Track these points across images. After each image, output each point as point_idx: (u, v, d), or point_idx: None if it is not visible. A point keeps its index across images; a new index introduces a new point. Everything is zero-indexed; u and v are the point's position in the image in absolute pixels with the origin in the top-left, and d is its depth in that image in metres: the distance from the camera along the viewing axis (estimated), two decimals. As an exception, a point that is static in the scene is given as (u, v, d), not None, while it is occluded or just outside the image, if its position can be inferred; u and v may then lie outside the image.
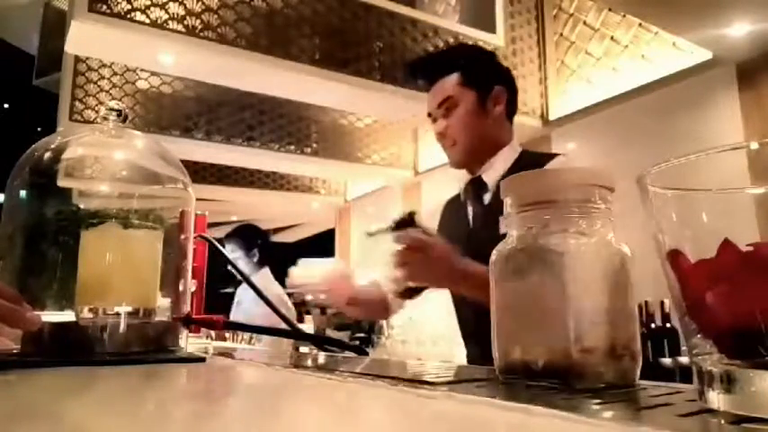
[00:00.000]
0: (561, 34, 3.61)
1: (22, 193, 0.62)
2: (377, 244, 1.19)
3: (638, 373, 0.39)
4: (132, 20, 2.48)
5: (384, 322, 3.04)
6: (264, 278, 3.13)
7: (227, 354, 0.78)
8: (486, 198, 1.29)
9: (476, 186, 1.31)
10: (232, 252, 3.21)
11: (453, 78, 1.31)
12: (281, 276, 3.44)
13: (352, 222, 5.55)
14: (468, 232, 1.30)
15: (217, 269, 1.11)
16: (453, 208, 1.40)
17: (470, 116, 1.29)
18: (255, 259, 3.24)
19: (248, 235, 3.33)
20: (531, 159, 1.29)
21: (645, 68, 3.02)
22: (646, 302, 2.21)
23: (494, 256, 0.43)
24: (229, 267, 1.13)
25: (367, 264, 1.44)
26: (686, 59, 2.82)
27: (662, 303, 2.19)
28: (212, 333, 1.43)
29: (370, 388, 0.40)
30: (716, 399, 0.27)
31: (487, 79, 1.32)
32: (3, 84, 6.96)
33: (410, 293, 1.18)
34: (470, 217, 1.31)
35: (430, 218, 1.43)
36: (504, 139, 1.33)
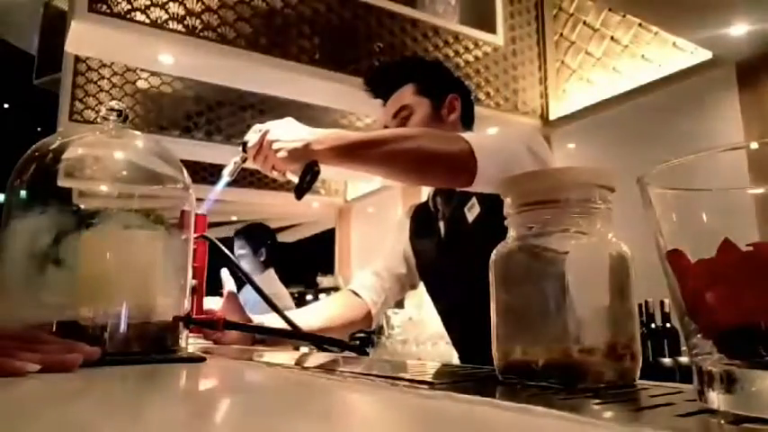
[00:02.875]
0: (561, 34, 3.61)
1: (23, 193, 0.62)
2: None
3: (638, 372, 0.39)
4: (132, 20, 2.47)
5: (384, 322, 3.03)
6: (269, 279, 3.11)
7: (226, 353, 0.78)
8: (460, 204, 1.24)
9: (445, 194, 1.29)
10: (240, 249, 3.19)
11: (408, 89, 1.31)
12: (284, 277, 3.41)
13: (352, 222, 5.55)
14: (439, 243, 1.28)
15: (218, 270, 1.10)
16: (422, 217, 1.37)
17: (426, 124, 1.27)
18: (262, 259, 3.21)
19: (257, 234, 3.29)
20: None
21: (645, 68, 3.02)
22: (646, 302, 2.20)
23: (494, 255, 0.43)
24: (223, 273, 1.12)
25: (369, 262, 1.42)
26: (686, 59, 2.82)
27: (662, 303, 2.18)
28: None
29: (370, 388, 0.40)
30: (716, 399, 0.27)
31: (441, 88, 1.32)
32: (3, 84, 6.94)
33: (302, 187, 0.98)
34: (441, 227, 1.29)
35: (401, 226, 1.41)
36: None
